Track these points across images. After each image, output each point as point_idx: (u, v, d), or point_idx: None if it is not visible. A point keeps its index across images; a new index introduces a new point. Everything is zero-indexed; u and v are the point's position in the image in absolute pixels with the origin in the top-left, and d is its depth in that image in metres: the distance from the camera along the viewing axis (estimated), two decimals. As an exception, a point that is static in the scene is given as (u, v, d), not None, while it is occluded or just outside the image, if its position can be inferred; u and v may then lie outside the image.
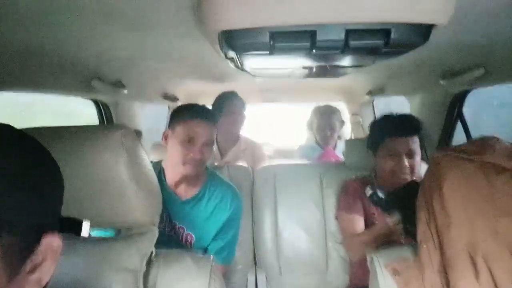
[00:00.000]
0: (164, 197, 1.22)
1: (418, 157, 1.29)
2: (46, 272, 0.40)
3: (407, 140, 1.27)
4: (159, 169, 1.28)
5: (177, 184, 1.25)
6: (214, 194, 1.29)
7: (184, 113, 1.20)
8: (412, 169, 1.27)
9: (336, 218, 1.50)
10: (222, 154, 1.98)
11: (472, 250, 0.70)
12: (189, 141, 1.17)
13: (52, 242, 0.40)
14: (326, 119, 2.21)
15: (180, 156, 1.17)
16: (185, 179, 1.24)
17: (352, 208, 1.36)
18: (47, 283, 0.42)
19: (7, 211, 0.35)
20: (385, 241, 1.20)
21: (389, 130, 1.31)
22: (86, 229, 0.46)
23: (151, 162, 1.32)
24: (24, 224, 0.37)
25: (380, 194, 1.17)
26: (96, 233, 0.95)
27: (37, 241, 0.39)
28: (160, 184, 1.23)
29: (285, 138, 3.77)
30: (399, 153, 1.27)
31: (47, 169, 0.43)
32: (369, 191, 1.23)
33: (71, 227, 0.47)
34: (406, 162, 1.26)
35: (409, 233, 1.06)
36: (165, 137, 1.24)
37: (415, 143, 1.28)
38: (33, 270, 0.39)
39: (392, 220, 1.13)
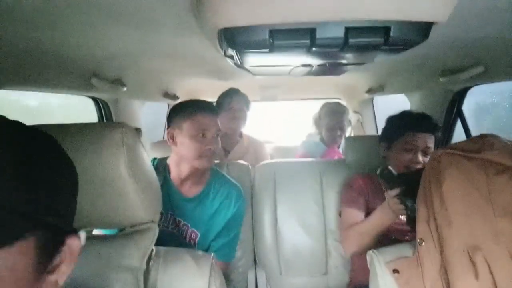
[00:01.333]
0: (169, 194, 1.24)
1: None
2: (63, 274, 0.40)
3: (426, 137, 1.29)
4: (164, 166, 1.28)
5: (183, 181, 1.26)
6: (219, 192, 1.30)
7: (189, 109, 1.21)
8: (425, 166, 1.27)
9: (340, 214, 1.50)
10: (226, 152, 1.98)
11: (472, 250, 0.70)
12: (202, 135, 1.19)
13: (72, 244, 0.41)
14: (337, 119, 2.15)
15: (195, 151, 1.18)
16: (192, 176, 1.24)
17: (355, 202, 1.37)
18: None
19: (42, 209, 0.36)
20: (381, 236, 1.20)
21: (411, 124, 1.33)
22: (83, 239, 0.46)
23: (156, 158, 1.33)
24: (56, 223, 0.38)
25: (393, 171, 1.17)
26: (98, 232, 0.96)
27: (63, 241, 0.40)
28: (166, 181, 1.26)
29: (286, 136, 3.77)
30: (416, 148, 1.28)
31: (71, 170, 0.44)
32: (379, 168, 1.22)
33: None
34: (421, 158, 1.28)
35: (410, 219, 1.05)
36: (171, 137, 1.22)
37: (432, 142, 1.30)
38: (52, 271, 0.39)
39: (393, 192, 1.11)
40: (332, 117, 2.16)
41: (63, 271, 0.40)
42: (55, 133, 0.66)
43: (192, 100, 1.28)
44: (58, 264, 0.40)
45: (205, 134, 1.19)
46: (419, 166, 1.27)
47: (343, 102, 2.83)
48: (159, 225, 1.20)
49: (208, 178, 1.31)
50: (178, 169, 1.24)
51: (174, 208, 1.25)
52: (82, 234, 0.45)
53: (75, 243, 0.41)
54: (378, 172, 1.22)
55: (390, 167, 1.18)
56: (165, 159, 1.32)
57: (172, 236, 1.24)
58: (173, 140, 1.22)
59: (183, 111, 1.21)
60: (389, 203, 1.14)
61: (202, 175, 1.28)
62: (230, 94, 1.94)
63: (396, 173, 1.17)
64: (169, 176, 1.26)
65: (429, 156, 1.27)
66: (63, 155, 0.44)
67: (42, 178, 0.37)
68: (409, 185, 1.07)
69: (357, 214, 1.34)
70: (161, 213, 1.23)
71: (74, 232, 0.42)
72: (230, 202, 1.30)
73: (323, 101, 2.32)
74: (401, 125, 1.36)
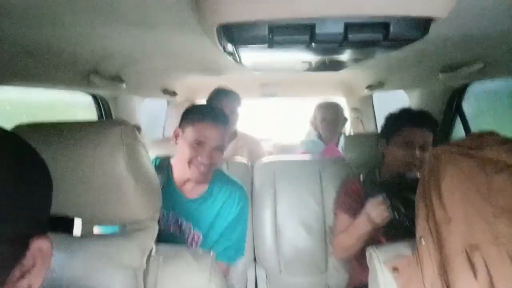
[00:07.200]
0: (171, 195, 1.23)
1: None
2: (36, 277, 0.39)
3: (423, 132, 1.31)
4: (167, 165, 1.27)
5: (185, 182, 1.24)
6: (221, 192, 1.28)
7: (195, 115, 1.18)
8: (422, 162, 1.29)
9: (335, 214, 1.50)
10: None
11: (470, 250, 0.70)
12: (198, 144, 1.15)
13: (41, 246, 0.39)
14: (330, 113, 2.23)
15: (187, 157, 1.15)
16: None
17: (348, 209, 1.37)
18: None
19: None
20: (366, 243, 1.20)
21: (408, 119, 1.35)
22: (78, 227, 0.44)
23: (159, 157, 1.32)
24: (10, 232, 0.35)
25: (377, 177, 1.19)
26: (101, 230, 0.95)
27: (26, 246, 0.38)
28: (168, 181, 1.24)
29: (285, 133, 3.77)
30: (413, 143, 1.29)
31: (34, 171, 0.40)
32: (364, 175, 1.23)
33: (62, 226, 0.45)
34: (418, 153, 1.28)
35: (395, 229, 1.06)
36: (175, 136, 1.21)
37: (429, 138, 1.32)
38: (22, 276, 0.37)
39: (376, 200, 1.15)
40: (325, 110, 2.26)
41: (36, 275, 0.38)
42: (53, 131, 0.66)
43: (203, 107, 1.26)
44: (29, 269, 0.38)
45: (202, 145, 1.15)
46: (416, 162, 1.28)
47: (342, 100, 2.84)
48: (160, 225, 1.21)
49: (211, 178, 1.29)
50: (179, 170, 1.23)
51: (176, 208, 1.23)
52: (77, 221, 0.43)
53: (45, 245, 0.39)
54: (361, 178, 1.22)
55: (375, 173, 1.19)
56: (167, 158, 1.30)
57: (175, 237, 1.22)
58: (176, 139, 1.21)
59: (192, 115, 1.19)
60: (368, 209, 1.17)
61: None
62: (219, 97, 1.85)
63: (379, 179, 1.18)
64: (172, 176, 1.25)
65: (427, 153, 1.29)
66: (29, 154, 0.40)
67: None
68: (392, 191, 1.09)
69: (349, 221, 1.34)
70: (163, 214, 1.21)
71: (45, 231, 0.40)
72: (233, 203, 1.27)
73: (323, 99, 2.34)
74: (399, 120, 1.38)
